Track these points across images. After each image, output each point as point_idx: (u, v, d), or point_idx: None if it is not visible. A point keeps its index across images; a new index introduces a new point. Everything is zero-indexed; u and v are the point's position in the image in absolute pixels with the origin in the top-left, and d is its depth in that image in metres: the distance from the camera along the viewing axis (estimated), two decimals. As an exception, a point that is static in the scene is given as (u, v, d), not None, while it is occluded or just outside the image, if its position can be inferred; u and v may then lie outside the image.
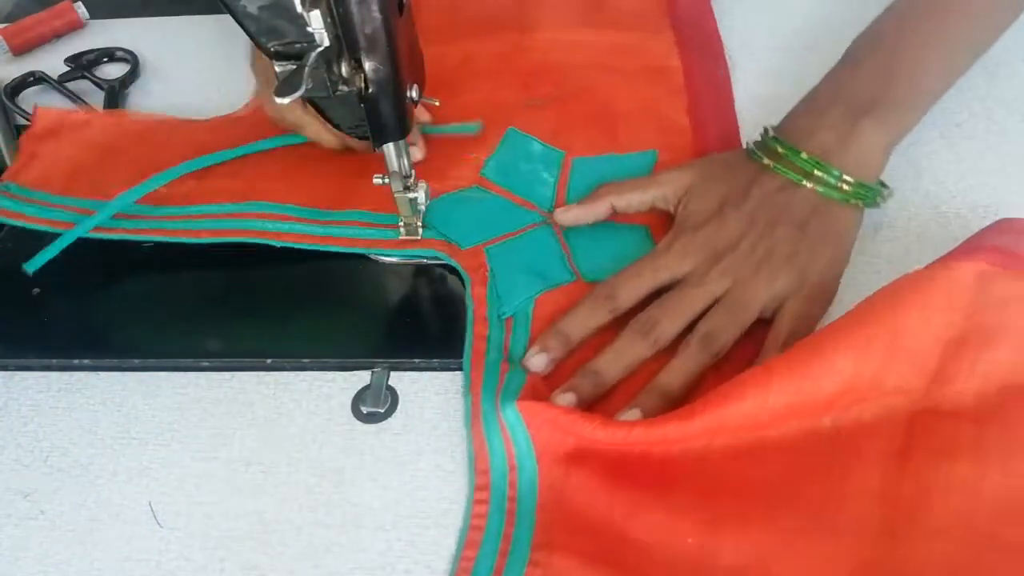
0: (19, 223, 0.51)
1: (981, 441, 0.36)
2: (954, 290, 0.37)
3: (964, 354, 0.37)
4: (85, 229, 0.50)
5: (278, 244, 0.49)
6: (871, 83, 0.47)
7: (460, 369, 0.43)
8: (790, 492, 0.37)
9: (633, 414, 0.40)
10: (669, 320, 0.42)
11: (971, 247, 0.40)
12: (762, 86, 0.57)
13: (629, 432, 0.38)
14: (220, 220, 0.50)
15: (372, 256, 0.49)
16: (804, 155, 0.45)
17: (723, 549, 0.36)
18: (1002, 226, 0.41)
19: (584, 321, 0.43)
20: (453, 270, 0.48)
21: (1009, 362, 0.37)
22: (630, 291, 0.43)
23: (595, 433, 0.38)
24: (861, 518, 0.36)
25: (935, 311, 0.37)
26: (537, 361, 0.42)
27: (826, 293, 0.44)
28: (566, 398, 0.40)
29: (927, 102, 0.48)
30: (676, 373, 0.41)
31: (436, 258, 0.48)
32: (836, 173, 0.45)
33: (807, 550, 0.35)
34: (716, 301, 0.43)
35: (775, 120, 0.49)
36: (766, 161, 0.46)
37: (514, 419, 0.39)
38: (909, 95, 0.47)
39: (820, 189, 0.45)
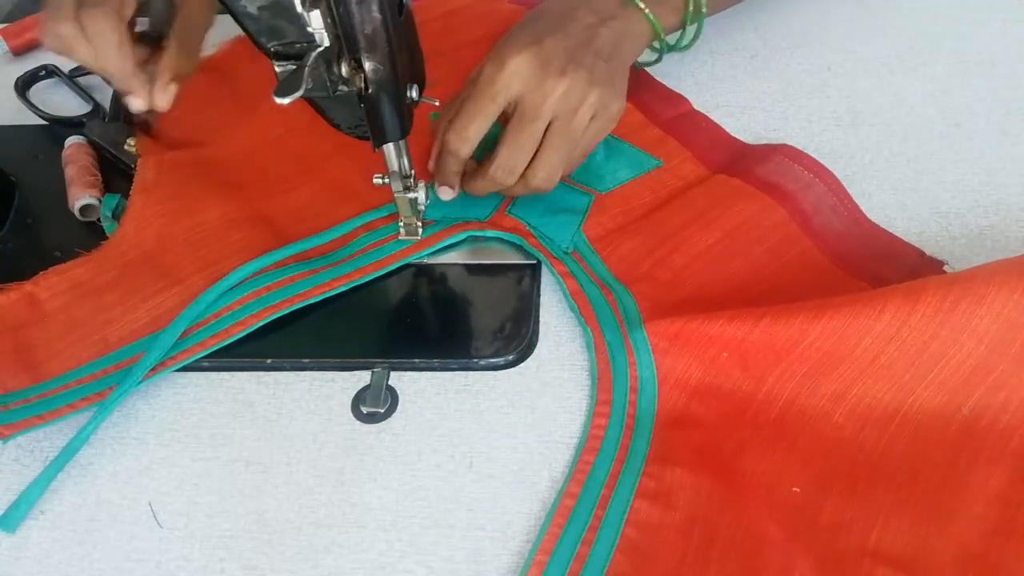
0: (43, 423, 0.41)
1: None
2: None
3: None
4: (136, 379, 0.43)
5: (319, 298, 0.46)
6: None
7: (460, 369, 0.44)
8: (909, 471, 0.37)
9: (445, 191, 0.48)
10: (469, 127, 0.45)
11: None
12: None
13: (757, 323, 0.39)
14: (253, 303, 0.46)
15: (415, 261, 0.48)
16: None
17: (826, 506, 0.37)
18: None
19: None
20: (452, 269, 0.48)
21: None
22: (474, 135, 0.46)
23: (724, 330, 0.40)
24: (976, 513, 0.36)
25: None
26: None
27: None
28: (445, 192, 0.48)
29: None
30: (478, 190, 0.48)
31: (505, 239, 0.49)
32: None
33: (912, 528, 0.36)
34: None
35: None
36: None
37: (641, 342, 0.42)
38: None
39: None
